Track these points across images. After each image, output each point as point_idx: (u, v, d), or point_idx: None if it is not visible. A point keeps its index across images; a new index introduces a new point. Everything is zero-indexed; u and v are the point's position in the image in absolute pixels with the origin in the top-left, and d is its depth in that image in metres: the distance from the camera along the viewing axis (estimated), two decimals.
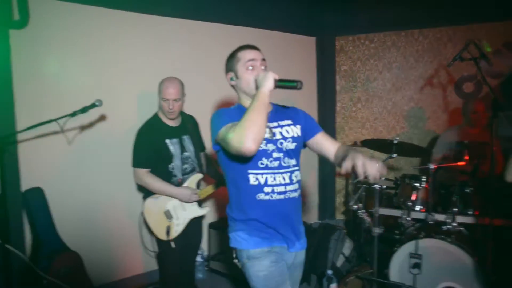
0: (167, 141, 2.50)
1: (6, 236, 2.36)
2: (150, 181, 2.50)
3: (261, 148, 1.60)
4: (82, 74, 2.88)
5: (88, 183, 2.92)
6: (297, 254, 1.75)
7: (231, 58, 1.75)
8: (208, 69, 3.42)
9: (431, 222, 2.73)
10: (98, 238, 2.99)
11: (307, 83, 4.31)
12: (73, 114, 2.28)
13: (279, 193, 1.64)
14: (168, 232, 2.50)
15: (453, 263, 2.49)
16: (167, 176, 2.52)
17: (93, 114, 2.81)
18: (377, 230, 2.85)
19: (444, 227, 2.66)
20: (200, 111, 2.92)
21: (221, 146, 1.62)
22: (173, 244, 2.49)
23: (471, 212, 2.72)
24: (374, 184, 2.72)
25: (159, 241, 2.58)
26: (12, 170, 2.58)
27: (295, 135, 1.72)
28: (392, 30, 4.09)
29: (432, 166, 2.71)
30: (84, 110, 2.29)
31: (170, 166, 2.51)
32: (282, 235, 1.67)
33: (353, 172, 1.46)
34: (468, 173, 2.86)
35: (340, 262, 3.43)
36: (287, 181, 1.66)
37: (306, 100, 4.42)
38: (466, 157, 2.73)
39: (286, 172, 1.66)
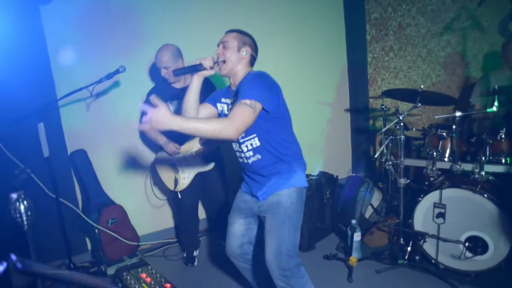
0: (167, 103, 2.69)
1: (57, 193, 2.71)
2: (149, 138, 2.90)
3: None
4: (110, 41, 3.04)
5: (122, 142, 3.18)
6: (261, 202, 1.95)
7: None
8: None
9: (458, 172, 2.67)
10: (137, 192, 3.30)
11: (335, 35, 4.22)
12: (100, 80, 2.47)
13: (245, 157, 1.96)
14: (176, 184, 2.78)
15: (478, 213, 2.45)
16: (170, 132, 2.75)
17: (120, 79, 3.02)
18: (402, 181, 2.85)
19: (472, 177, 2.59)
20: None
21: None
22: (179, 195, 2.80)
23: (502, 160, 2.61)
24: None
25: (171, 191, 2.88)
26: (57, 135, 2.89)
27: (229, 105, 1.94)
28: None
29: (458, 114, 2.60)
30: (109, 76, 2.47)
31: None
32: (248, 185, 2.06)
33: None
34: (501, 120, 2.71)
35: (368, 213, 3.50)
36: (240, 149, 1.95)
37: (335, 52, 4.30)
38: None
39: (237, 142, 1.94)
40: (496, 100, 2.56)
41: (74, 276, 1.03)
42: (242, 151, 1.94)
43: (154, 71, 3.23)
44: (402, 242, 2.84)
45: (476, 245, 2.45)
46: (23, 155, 2.65)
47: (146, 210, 3.36)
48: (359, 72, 4.39)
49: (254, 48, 1.97)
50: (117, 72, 2.50)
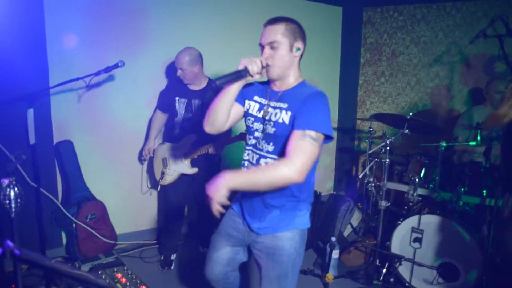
0: (177, 98, 2.84)
1: (39, 182, 2.64)
2: (151, 121, 3.09)
3: (248, 125, 1.68)
4: (111, 37, 3.03)
5: (111, 137, 3.15)
6: (256, 235, 1.65)
7: None
8: (231, 37, 3.49)
9: (437, 199, 2.77)
10: (120, 189, 3.25)
11: (330, 54, 4.33)
12: (98, 73, 2.45)
13: (247, 168, 1.66)
14: (161, 177, 2.88)
15: (453, 241, 2.55)
16: (172, 126, 2.91)
17: (118, 74, 3.00)
18: (383, 203, 2.93)
19: (450, 206, 2.70)
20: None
21: None
22: (158, 188, 2.88)
23: (479, 192, 2.73)
24: None
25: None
26: (45, 123, 2.83)
27: (280, 120, 1.55)
28: (423, 3, 3.94)
29: (442, 144, 2.71)
30: (107, 69, 2.45)
31: (175, 119, 2.87)
32: (241, 208, 1.72)
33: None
34: (481, 154, 2.83)
35: (347, 232, 3.56)
36: (254, 162, 1.63)
37: (329, 72, 4.40)
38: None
39: (256, 154, 1.63)
40: (479, 134, 2.69)
41: (66, 269, 1.02)
42: (255, 165, 1.62)
43: (152, 69, 3.23)
44: (378, 263, 2.90)
45: (449, 272, 2.54)
46: (8, 140, 2.58)
47: (127, 208, 3.31)
48: (349, 93, 4.50)
49: (304, 38, 1.60)
50: (116, 66, 2.49)
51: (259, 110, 1.64)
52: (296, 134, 1.44)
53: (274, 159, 1.57)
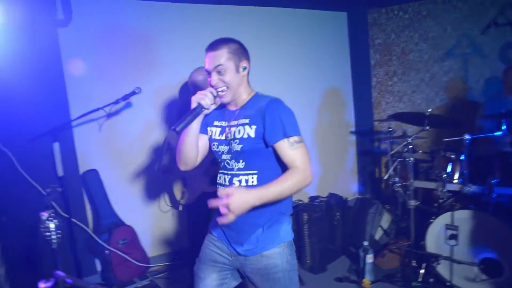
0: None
1: (70, 213, 2.70)
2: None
3: (214, 150, 1.67)
4: (124, 65, 3.11)
5: (134, 161, 3.20)
6: (244, 258, 1.60)
7: None
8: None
9: (468, 194, 2.71)
10: (147, 212, 3.28)
11: (340, 60, 4.34)
12: (116, 101, 2.51)
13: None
14: (182, 196, 2.84)
15: (491, 235, 2.47)
16: None
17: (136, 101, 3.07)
18: (412, 203, 2.88)
19: (483, 199, 2.63)
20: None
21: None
22: (180, 208, 2.83)
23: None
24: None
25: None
26: (70, 155, 2.90)
27: (245, 136, 1.55)
28: None
29: (467, 136, 2.66)
30: (125, 97, 2.51)
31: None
32: (223, 232, 1.65)
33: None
34: (508, 144, 2.77)
35: (378, 235, 3.50)
36: (227, 183, 1.60)
37: (340, 76, 4.41)
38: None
39: (228, 175, 1.61)
40: (504, 123, 2.63)
41: None
42: (228, 185, 1.58)
43: (167, 94, 3.29)
44: (414, 264, 2.83)
45: (491, 267, 2.46)
46: (37, 174, 2.65)
47: (155, 230, 3.33)
48: (363, 96, 4.48)
49: (247, 56, 1.62)
50: (133, 93, 2.55)
51: (221, 133, 1.65)
52: (283, 146, 1.51)
53: (247, 174, 1.56)
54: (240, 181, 1.57)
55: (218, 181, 1.68)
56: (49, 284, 0.99)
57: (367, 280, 2.76)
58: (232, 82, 1.55)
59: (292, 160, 1.49)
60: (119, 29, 3.06)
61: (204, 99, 1.51)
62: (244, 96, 1.62)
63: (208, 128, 1.70)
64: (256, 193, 1.39)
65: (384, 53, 4.34)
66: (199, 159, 1.71)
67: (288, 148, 1.49)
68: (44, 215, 1.47)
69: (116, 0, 3.04)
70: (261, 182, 1.54)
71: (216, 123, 1.69)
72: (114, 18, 3.04)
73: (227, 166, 1.62)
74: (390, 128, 3.60)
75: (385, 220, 3.55)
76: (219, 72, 1.53)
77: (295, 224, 3.20)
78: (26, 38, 2.65)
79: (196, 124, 1.58)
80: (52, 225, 1.49)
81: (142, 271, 3.01)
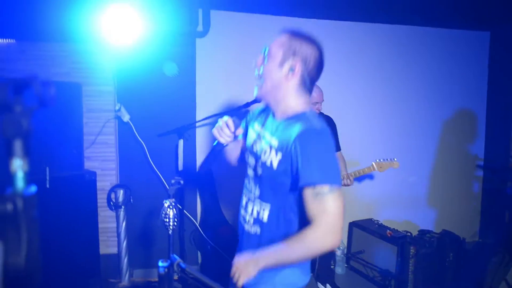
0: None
1: (183, 204, 2.97)
2: None
3: (245, 158, 1.46)
4: (252, 77, 3.30)
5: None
6: None
7: None
8: (361, 69, 3.45)
9: None
10: None
11: (474, 84, 3.88)
12: (238, 108, 2.67)
13: (244, 219, 1.41)
14: None
15: None
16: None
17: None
18: None
19: None
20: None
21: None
22: None
23: None
24: None
25: None
26: (191, 152, 3.20)
27: (268, 163, 1.27)
28: None
29: None
30: (246, 105, 2.66)
31: None
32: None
33: None
34: None
35: None
36: (244, 205, 1.42)
37: (471, 102, 3.92)
38: None
39: (246, 196, 1.41)
40: None
41: None
42: (245, 209, 1.41)
43: None
44: None
45: None
46: (162, 167, 3.00)
47: None
48: (499, 127, 3.91)
49: (312, 63, 1.26)
50: (254, 101, 2.68)
51: (255, 141, 1.38)
52: (306, 194, 1.17)
53: (260, 204, 1.32)
54: (252, 210, 1.36)
55: (242, 203, 1.46)
56: (165, 264, 1.10)
57: None
58: (268, 75, 1.28)
59: (312, 216, 1.16)
60: (249, 43, 3.27)
61: (222, 136, 1.38)
62: (284, 107, 1.29)
63: (249, 129, 1.48)
64: (263, 258, 1.20)
65: None
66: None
67: (310, 199, 1.16)
68: (167, 202, 1.64)
69: (250, 15, 3.26)
70: (272, 218, 1.29)
71: (256, 125, 1.43)
72: (246, 32, 3.26)
73: (248, 185, 1.42)
74: None
75: None
76: (265, 57, 1.30)
77: (399, 256, 2.95)
78: (170, 46, 3.04)
79: (229, 145, 1.49)
80: (171, 213, 1.64)
81: None
